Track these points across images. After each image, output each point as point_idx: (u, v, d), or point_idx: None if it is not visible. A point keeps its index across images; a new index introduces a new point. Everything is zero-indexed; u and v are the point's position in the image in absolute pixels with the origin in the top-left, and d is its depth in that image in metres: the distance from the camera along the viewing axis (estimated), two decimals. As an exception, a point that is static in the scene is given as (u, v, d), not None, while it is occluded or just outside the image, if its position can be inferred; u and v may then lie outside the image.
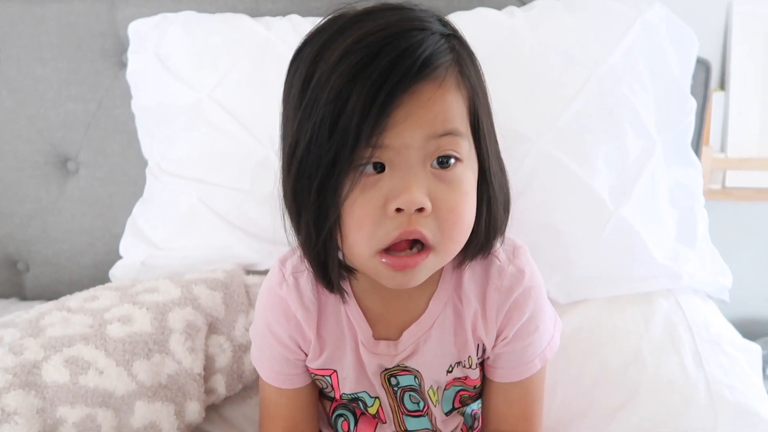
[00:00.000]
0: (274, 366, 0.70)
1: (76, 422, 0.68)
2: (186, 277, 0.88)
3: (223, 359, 0.82)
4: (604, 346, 0.88)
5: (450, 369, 0.68)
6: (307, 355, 0.69)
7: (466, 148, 0.56)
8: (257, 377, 0.85)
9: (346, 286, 0.65)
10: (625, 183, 0.95)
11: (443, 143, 0.54)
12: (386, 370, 0.68)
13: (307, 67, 0.54)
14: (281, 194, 0.59)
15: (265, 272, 0.94)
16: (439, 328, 0.66)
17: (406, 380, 0.69)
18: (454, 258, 0.62)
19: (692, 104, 1.02)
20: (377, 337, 0.66)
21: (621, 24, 0.97)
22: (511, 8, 1.04)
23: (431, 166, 0.55)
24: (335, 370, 0.69)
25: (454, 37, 0.58)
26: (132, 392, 0.73)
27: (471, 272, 0.65)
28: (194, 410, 0.78)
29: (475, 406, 0.74)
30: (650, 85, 0.98)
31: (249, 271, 0.94)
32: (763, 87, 1.28)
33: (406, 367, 0.67)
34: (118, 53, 1.16)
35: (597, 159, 0.94)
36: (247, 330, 0.85)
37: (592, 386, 0.84)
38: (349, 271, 0.62)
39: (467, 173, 0.57)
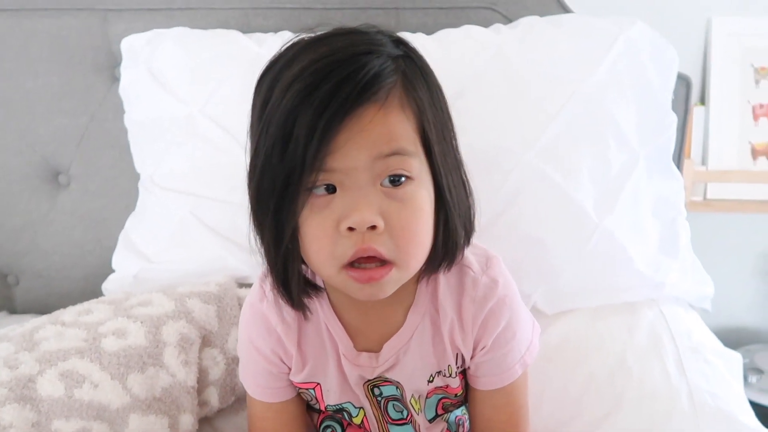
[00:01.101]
0: (258, 380, 0.71)
1: (71, 436, 0.69)
2: (179, 290, 0.88)
3: (216, 372, 0.83)
4: (589, 355, 0.90)
5: (431, 379, 0.69)
6: (290, 369, 0.69)
7: (416, 167, 0.57)
8: (249, 389, 0.87)
9: (316, 302, 0.67)
10: (609, 195, 0.97)
11: (391, 163, 0.56)
12: (368, 381, 0.69)
13: (265, 93, 0.57)
14: (248, 213, 0.61)
15: (257, 285, 0.96)
16: (418, 340, 0.67)
17: (388, 390, 0.70)
18: (420, 271, 0.63)
19: (673, 118, 1.05)
20: (358, 349, 0.68)
21: (604, 41, 1.00)
22: (498, 26, 1.07)
23: (382, 184, 0.56)
24: (318, 383, 0.70)
25: (405, 57, 0.59)
26: (126, 405, 0.73)
27: (446, 283, 0.67)
28: (188, 422, 0.78)
29: (459, 412, 0.76)
30: (633, 100, 1.00)
31: (241, 284, 0.95)
32: (742, 102, 1.32)
33: (387, 378, 0.69)
34: (110, 67, 1.17)
35: (581, 172, 0.96)
36: (240, 342, 0.86)
37: (579, 395, 0.86)
38: (316, 288, 0.64)
39: (420, 191, 0.58)
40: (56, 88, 1.17)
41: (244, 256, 0.97)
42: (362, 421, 0.72)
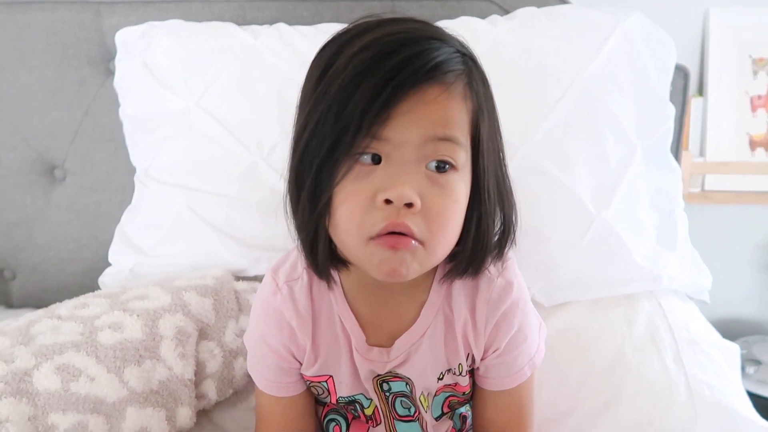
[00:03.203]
0: (269, 375, 0.70)
1: (67, 429, 0.68)
2: (176, 283, 0.88)
3: (213, 365, 0.83)
4: (588, 347, 0.90)
5: (441, 376, 0.69)
6: (301, 364, 0.69)
7: (462, 158, 0.57)
8: (248, 382, 0.87)
9: (330, 294, 0.67)
10: (606, 188, 0.97)
11: (441, 148, 0.56)
12: (378, 375, 0.69)
13: (327, 59, 0.57)
14: (286, 179, 0.61)
15: (253, 278, 0.96)
16: (431, 337, 0.67)
17: (397, 386, 0.70)
18: (443, 270, 0.64)
19: (671, 110, 1.05)
20: (370, 344, 0.67)
21: (601, 33, 1.00)
22: (494, 17, 1.06)
23: (426, 167, 0.56)
24: (331, 376, 0.70)
25: (470, 59, 0.60)
26: (123, 398, 0.73)
27: (460, 283, 0.66)
28: (185, 415, 0.78)
29: (463, 409, 0.75)
30: (630, 92, 1.00)
31: (238, 277, 0.95)
32: (740, 93, 1.31)
33: (398, 374, 0.69)
34: (105, 61, 1.16)
35: (578, 165, 0.96)
36: (238, 336, 0.86)
37: (577, 387, 0.86)
38: (341, 262, 0.63)
39: (460, 183, 0.58)
40: (51, 82, 1.16)
41: (239, 249, 0.97)
42: (373, 411, 0.72)
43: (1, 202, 1.20)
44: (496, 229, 0.63)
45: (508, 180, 0.64)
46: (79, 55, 1.16)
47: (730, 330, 1.41)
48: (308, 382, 0.71)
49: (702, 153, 1.33)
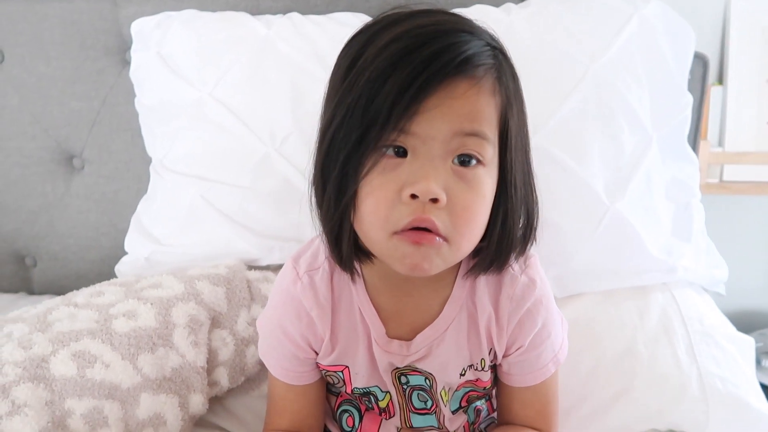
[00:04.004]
0: (283, 363, 0.71)
1: (83, 414, 0.70)
2: (189, 272, 0.89)
3: (225, 352, 0.84)
4: (599, 339, 0.89)
5: (463, 372, 0.69)
6: (317, 354, 0.69)
7: (489, 153, 0.57)
8: (259, 370, 0.88)
9: (351, 286, 0.67)
10: (621, 178, 0.96)
11: (468, 142, 0.56)
12: (397, 368, 0.69)
13: (356, 50, 0.57)
14: (311, 171, 0.61)
15: (266, 268, 0.97)
16: (454, 332, 0.67)
17: (416, 380, 0.70)
18: (467, 265, 0.65)
19: (688, 99, 1.03)
20: (390, 336, 0.67)
21: (617, 20, 0.98)
22: (509, 5, 1.05)
23: (452, 162, 0.56)
24: (347, 366, 0.70)
25: (500, 52, 0.59)
26: (137, 385, 0.74)
27: (484, 279, 0.66)
28: (198, 402, 0.80)
29: (479, 403, 0.76)
30: (646, 81, 0.98)
31: (251, 267, 0.96)
32: (761, 81, 1.28)
33: (417, 368, 0.69)
34: (121, 51, 1.17)
35: (593, 154, 0.95)
36: (250, 324, 0.87)
37: (588, 379, 0.86)
38: (364, 254, 0.62)
39: (486, 178, 0.58)
40: (69, 72, 1.18)
41: (253, 239, 0.98)
42: (387, 404, 0.72)
43: (22, 191, 1.23)
44: (520, 224, 0.63)
45: (533, 176, 0.64)
46: (97, 45, 1.17)
47: (746, 322, 1.39)
48: (323, 371, 0.72)
49: (720, 143, 1.30)
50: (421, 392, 0.71)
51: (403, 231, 0.55)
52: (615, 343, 0.89)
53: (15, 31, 1.18)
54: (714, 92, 1.28)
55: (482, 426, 0.77)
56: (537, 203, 0.64)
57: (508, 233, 0.61)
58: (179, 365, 0.78)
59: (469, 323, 0.67)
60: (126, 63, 1.16)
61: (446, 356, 0.67)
